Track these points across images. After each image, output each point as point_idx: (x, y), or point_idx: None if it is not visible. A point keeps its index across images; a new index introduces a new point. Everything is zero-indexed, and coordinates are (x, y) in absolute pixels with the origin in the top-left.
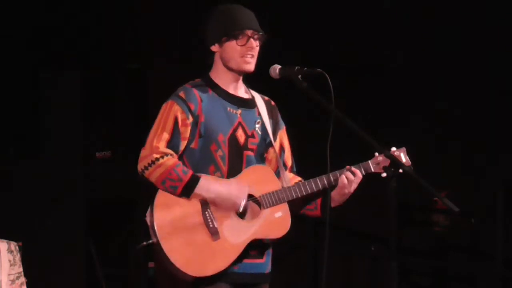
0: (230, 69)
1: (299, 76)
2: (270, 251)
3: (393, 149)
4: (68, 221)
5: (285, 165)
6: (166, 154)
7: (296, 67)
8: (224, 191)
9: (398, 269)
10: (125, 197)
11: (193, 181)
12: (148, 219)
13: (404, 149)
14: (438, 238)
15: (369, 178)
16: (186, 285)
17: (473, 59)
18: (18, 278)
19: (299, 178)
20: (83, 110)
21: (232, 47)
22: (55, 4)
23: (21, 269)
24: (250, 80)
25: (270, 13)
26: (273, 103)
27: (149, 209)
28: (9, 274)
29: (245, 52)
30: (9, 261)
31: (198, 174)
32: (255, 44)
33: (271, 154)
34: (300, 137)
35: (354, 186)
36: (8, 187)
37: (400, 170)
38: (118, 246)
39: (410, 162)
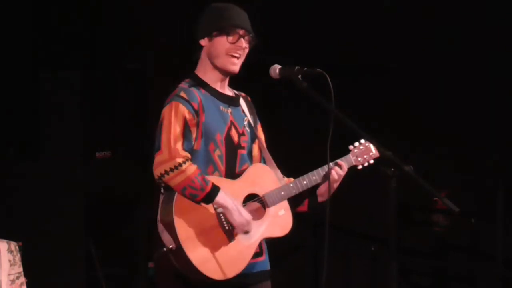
0: (215, 66)
1: (299, 76)
2: (267, 248)
3: (362, 141)
4: (68, 221)
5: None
6: (187, 159)
7: (296, 67)
8: (238, 209)
9: (398, 269)
10: (125, 197)
11: (214, 192)
12: (161, 224)
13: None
14: (438, 238)
15: (369, 178)
16: (188, 286)
17: (473, 59)
18: (18, 278)
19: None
20: (83, 110)
21: (222, 43)
22: (55, 4)
23: (21, 269)
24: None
25: (270, 12)
26: (249, 98)
27: (159, 214)
28: (9, 274)
29: (233, 50)
30: (9, 261)
31: (214, 181)
32: (244, 45)
33: (255, 150)
34: (299, 136)
35: (339, 180)
36: (8, 187)
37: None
38: (118, 246)
39: (378, 154)
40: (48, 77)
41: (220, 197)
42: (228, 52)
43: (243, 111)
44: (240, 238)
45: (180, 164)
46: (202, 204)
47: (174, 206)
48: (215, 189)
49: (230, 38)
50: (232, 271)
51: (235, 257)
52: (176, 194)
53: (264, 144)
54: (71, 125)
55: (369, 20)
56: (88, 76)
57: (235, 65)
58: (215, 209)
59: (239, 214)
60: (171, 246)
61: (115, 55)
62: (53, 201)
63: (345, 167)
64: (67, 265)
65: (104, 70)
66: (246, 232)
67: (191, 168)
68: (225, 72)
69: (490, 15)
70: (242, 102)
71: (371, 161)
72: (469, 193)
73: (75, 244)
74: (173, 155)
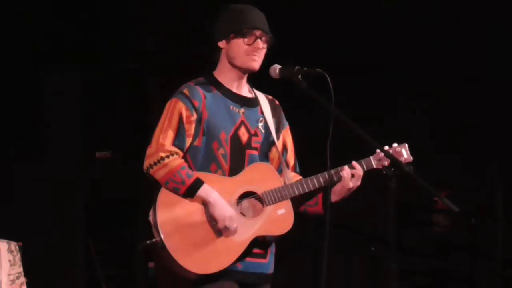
0: (235, 66)
1: (299, 76)
2: (273, 251)
3: (395, 145)
4: (68, 221)
5: (287, 164)
6: (172, 154)
7: (296, 67)
8: (220, 206)
9: (398, 269)
10: (125, 197)
11: (196, 185)
12: (151, 218)
13: (405, 145)
14: (438, 238)
15: (369, 178)
16: (188, 284)
17: (473, 59)
18: (18, 278)
19: (300, 177)
20: (83, 111)
21: (239, 45)
22: (56, 5)
23: (21, 269)
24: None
25: (270, 12)
26: (277, 102)
27: (151, 208)
28: (9, 274)
29: (250, 51)
30: (9, 261)
31: (202, 176)
32: (262, 46)
33: (273, 153)
34: (300, 136)
35: (355, 182)
36: (8, 187)
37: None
38: (118, 246)
39: (411, 158)
40: (48, 78)
41: (202, 191)
42: (246, 53)
43: (262, 113)
44: (230, 234)
45: (162, 158)
46: (188, 198)
47: (158, 200)
48: (197, 183)
49: (247, 40)
50: (215, 266)
51: (221, 252)
52: (161, 189)
53: (289, 148)
54: (71, 125)
55: (369, 20)
56: (88, 77)
57: (255, 62)
58: (204, 204)
59: (220, 208)
60: (154, 239)
61: (115, 55)
62: (53, 201)
63: (359, 168)
64: (67, 265)
65: (104, 70)
66: (226, 229)
67: (174, 162)
68: (245, 70)
69: (490, 15)
70: (264, 104)
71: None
72: (469, 193)
73: (75, 244)
74: (159, 149)
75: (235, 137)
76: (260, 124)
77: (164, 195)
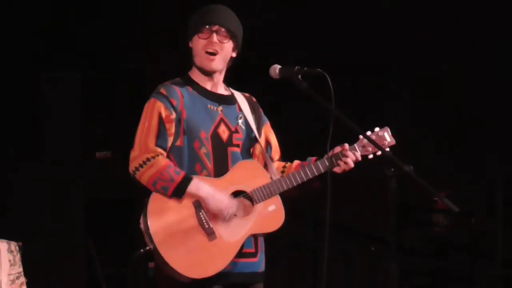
0: (196, 66)
1: (299, 76)
2: (263, 249)
3: (377, 129)
4: (68, 221)
5: (272, 160)
6: (157, 154)
7: (296, 67)
8: (213, 195)
9: (398, 269)
10: (125, 197)
11: (185, 181)
12: (142, 225)
13: (387, 128)
14: (438, 238)
15: (369, 178)
16: (184, 286)
17: (473, 58)
18: (18, 278)
19: (283, 163)
20: (83, 111)
21: (196, 42)
22: (56, 5)
23: (21, 269)
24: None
25: (270, 13)
26: (254, 99)
27: (141, 216)
28: (9, 274)
29: (206, 46)
30: (9, 261)
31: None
32: (216, 39)
33: (258, 149)
34: (299, 136)
35: (345, 166)
36: (8, 188)
37: (383, 153)
38: (118, 246)
39: (394, 141)
40: (48, 78)
41: (192, 187)
42: (203, 50)
43: (240, 110)
44: (223, 235)
45: (148, 159)
46: (176, 198)
47: (148, 208)
48: (186, 180)
49: (201, 35)
50: (211, 269)
51: (215, 255)
52: (151, 196)
53: (273, 143)
54: (71, 125)
55: (369, 20)
56: (88, 77)
57: (212, 62)
58: (195, 208)
59: (214, 200)
60: (148, 247)
61: (115, 55)
62: (53, 201)
63: (351, 155)
64: (67, 265)
65: (104, 70)
66: (226, 215)
67: (161, 162)
68: (204, 71)
69: (490, 15)
70: (242, 101)
71: (387, 149)
72: (469, 193)
73: (75, 244)
74: (143, 151)
75: (215, 135)
76: (240, 121)
77: (154, 202)
